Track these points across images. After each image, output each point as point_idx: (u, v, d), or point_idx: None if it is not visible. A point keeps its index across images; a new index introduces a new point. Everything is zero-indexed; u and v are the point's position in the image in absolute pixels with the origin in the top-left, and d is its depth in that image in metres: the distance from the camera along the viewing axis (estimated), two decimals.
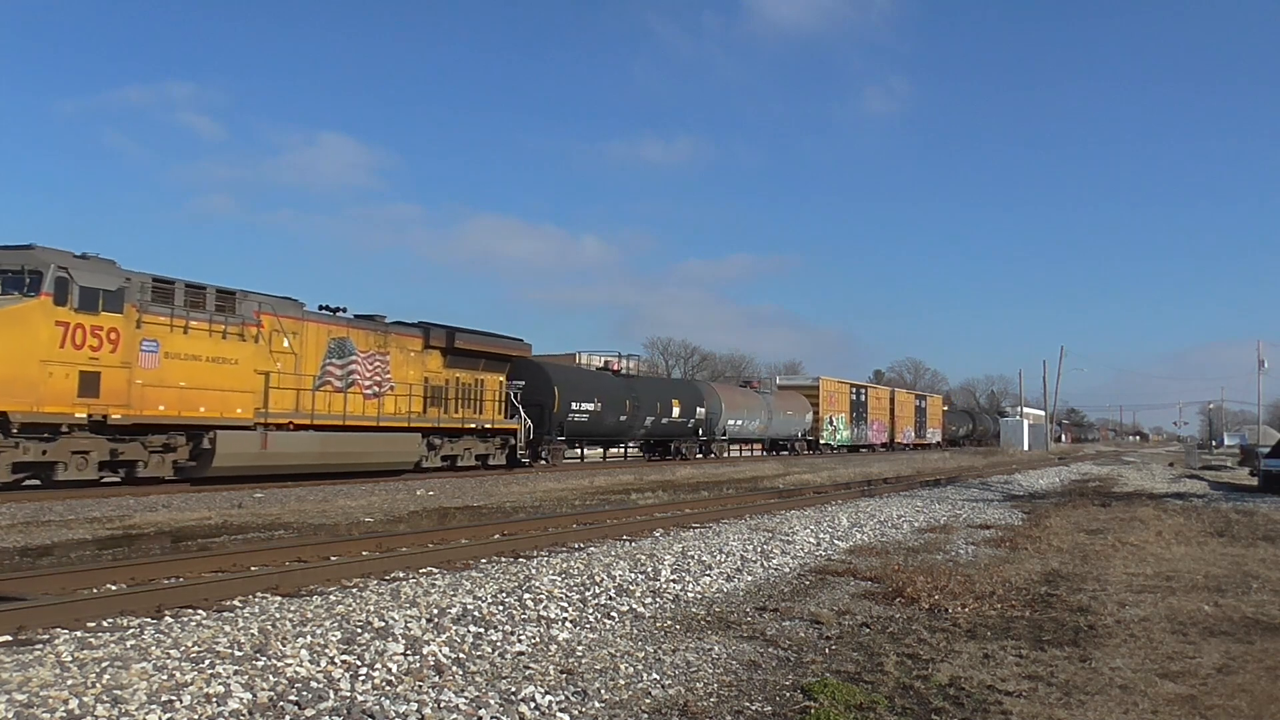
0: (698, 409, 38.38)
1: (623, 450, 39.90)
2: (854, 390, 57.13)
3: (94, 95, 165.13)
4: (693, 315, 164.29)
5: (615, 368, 36.72)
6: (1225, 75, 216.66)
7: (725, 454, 43.16)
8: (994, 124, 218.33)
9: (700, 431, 39.03)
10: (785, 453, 48.24)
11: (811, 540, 12.29)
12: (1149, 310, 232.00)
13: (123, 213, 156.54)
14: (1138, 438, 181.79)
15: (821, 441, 51.12)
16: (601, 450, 39.30)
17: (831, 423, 52.28)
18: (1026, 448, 72.44)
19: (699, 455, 39.95)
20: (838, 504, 18.48)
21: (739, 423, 41.76)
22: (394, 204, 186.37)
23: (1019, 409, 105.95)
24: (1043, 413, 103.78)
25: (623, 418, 33.34)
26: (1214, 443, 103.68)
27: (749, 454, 47.68)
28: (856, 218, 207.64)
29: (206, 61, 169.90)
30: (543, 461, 29.59)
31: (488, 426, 26.65)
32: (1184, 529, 14.38)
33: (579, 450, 36.11)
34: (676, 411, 36.73)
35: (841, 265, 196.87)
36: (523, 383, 28.30)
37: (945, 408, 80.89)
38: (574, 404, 30.46)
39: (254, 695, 4.90)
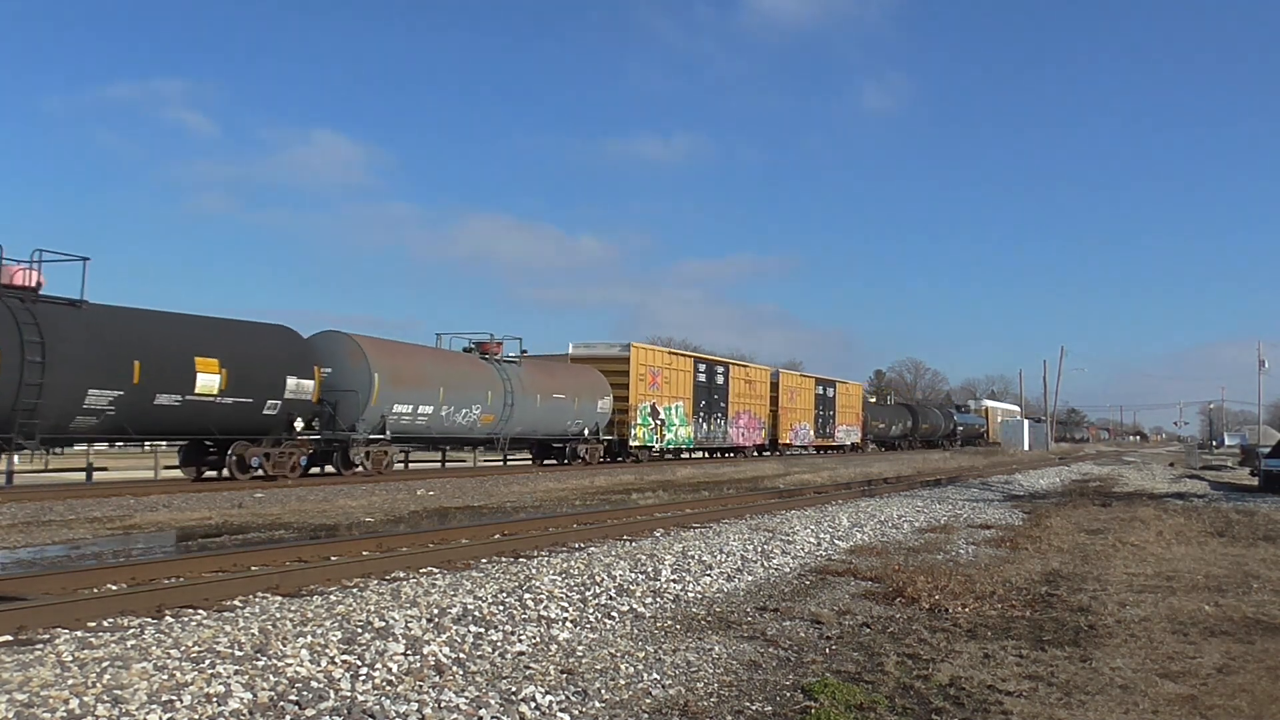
0: (292, 380, 20.55)
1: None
2: (702, 367, 39.26)
3: (82, 92, 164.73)
4: (692, 315, 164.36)
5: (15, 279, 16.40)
6: (1226, 75, 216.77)
7: (390, 465, 24.59)
8: (992, 123, 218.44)
9: (309, 422, 21.41)
10: (566, 461, 31.06)
11: (812, 540, 12.29)
12: (1149, 310, 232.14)
13: (117, 212, 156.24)
14: (1138, 438, 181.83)
15: (635, 443, 33.71)
16: None
17: (655, 415, 34.98)
18: (1027, 448, 72.29)
19: (307, 469, 22.31)
20: (838, 504, 18.48)
21: (424, 410, 24.27)
22: (389, 202, 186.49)
23: (981, 402, 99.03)
24: (1016, 408, 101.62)
25: None
26: (1214, 443, 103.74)
27: (468, 463, 32.57)
28: (855, 217, 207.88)
29: (197, 58, 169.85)
30: None
31: None
32: (1184, 529, 14.37)
33: None
34: (214, 383, 18.75)
35: (841, 265, 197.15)
36: None
37: (872, 398, 67.51)
38: None
39: (254, 695, 4.90)
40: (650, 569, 9.31)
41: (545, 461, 31.65)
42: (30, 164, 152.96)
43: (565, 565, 9.30)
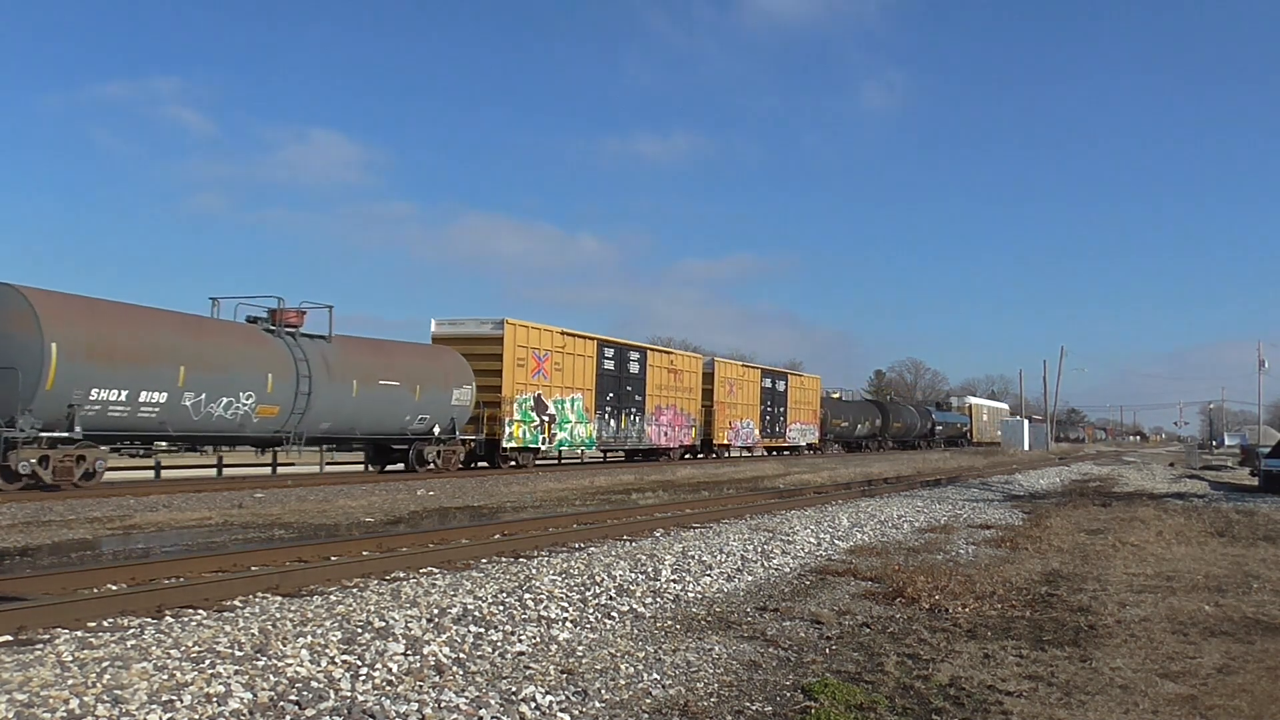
0: None
1: None
2: (610, 352, 32.22)
3: (77, 90, 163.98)
4: (692, 314, 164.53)
5: None
6: (1225, 73, 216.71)
7: (98, 476, 17.43)
8: (992, 122, 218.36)
9: None
10: (413, 468, 24.19)
11: (812, 540, 12.29)
12: (1149, 310, 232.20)
13: (115, 212, 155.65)
14: (1138, 438, 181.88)
15: (510, 444, 26.67)
16: None
17: (540, 409, 27.87)
18: (1027, 448, 72.19)
19: None
20: (838, 504, 18.48)
21: (152, 398, 17.39)
22: (387, 202, 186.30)
23: (965, 399, 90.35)
24: (1004, 405, 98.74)
25: None
26: (1214, 443, 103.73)
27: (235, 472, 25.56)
28: (855, 216, 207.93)
29: (192, 56, 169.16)
30: None
31: None
32: (1184, 529, 14.38)
33: None
34: None
35: (841, 265, 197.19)
36: None
37: (836, 394, 59.39)
38: None
39: (254, 695, 4.91)
40: (650, 569, 9.31)
41: (387, 468, 25.22)
42: (26, 163, 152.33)
43: (565, 565, 9.30)
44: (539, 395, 28.17)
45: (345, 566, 9.49)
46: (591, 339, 31.47)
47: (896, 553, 11.64)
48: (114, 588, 8.24)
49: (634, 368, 33.77)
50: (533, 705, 5.05)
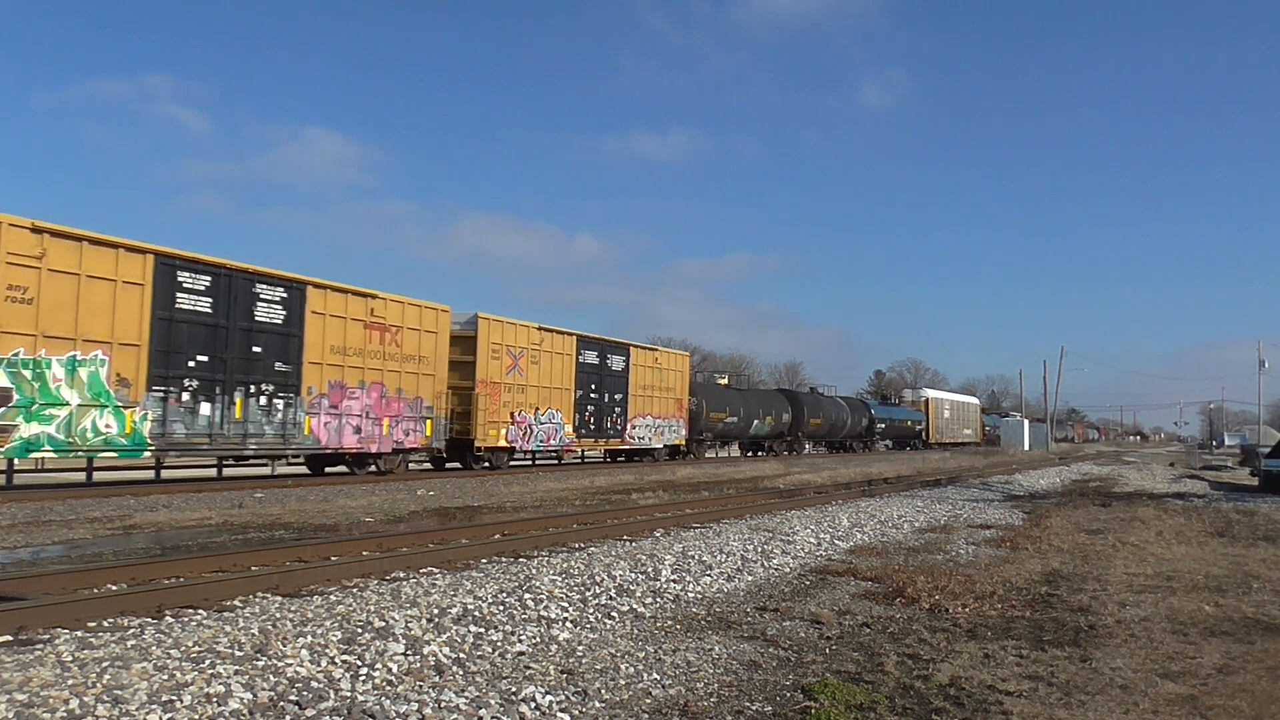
0: None
1: None
2: (191, 281, 17.79)
3: (70, 87, 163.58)
4: (691, 314, 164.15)
5: None
6: (1225, 73, 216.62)
7: None
8: (992, 120, 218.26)
9: None
10: None
11: (812, 540, 12.29)
12: (1149, 310, 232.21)
13: (111, 211, 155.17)
14: (1138, 438, 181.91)
15: None
16: None
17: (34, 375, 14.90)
18: (1027, 448, 72.15)
19: None
20: (838, 504, 18.48)
21: None
22: (386, 201, 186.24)
23: (921, 392, 77.39)
24: (974, 400, 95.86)
25: None
26: (1214, 443, 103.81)
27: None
28: (855, 215, 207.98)
29: (186, 54, 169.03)
30: None
31: None
32: (1184, 529, 14.38)
33: None
34: None
35: (841, 264, 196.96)
36: None
37: (723, 379, 47.24)
38: None
39: (254, 695, 4.91)
40: (650, 569, 9.31)
41: None
42: (21, 161, 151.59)
43: (565, 565, 9.31)
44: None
45: (345, 566, 9.49)
46: (138, 251, 17.09)
47: (896, 553, 11.64)
48: (114, 588, 8.24)
49: (272, 315, 19.77)
50: (533, 705, 5.05)
